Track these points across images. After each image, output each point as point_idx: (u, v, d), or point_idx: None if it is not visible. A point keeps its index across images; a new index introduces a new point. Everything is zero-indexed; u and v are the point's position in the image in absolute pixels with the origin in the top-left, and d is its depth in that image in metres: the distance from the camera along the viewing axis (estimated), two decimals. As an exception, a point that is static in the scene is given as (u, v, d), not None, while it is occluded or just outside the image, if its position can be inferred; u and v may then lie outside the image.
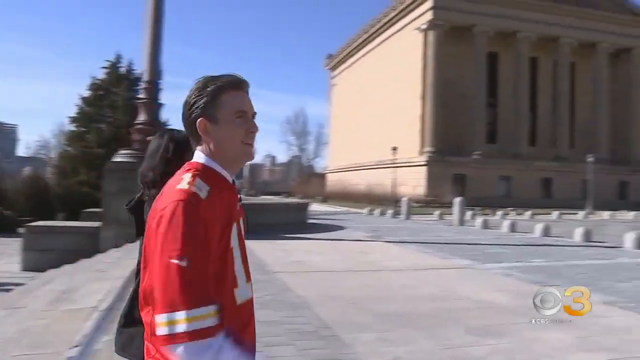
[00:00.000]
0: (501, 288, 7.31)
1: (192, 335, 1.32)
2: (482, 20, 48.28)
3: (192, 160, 1.54)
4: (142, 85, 14.21)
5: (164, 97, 14.70)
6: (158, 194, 1.51)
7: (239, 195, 1.62)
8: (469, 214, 27.01)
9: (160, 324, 1.34)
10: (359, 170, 60.21)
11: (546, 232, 17.47)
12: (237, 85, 1.55)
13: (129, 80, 30.10)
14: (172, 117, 27.42)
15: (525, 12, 48.94)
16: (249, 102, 1.56)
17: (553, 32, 49.96)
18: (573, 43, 50.72)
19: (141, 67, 15.36)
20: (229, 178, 1.55)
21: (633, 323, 5.53)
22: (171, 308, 1.33)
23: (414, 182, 46.33)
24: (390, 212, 30.27)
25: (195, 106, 1.52)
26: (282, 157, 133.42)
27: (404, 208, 28.92)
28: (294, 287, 6.98)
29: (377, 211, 32.46)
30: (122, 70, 30.98)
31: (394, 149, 41.72)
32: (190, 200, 1.39)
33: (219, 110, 1.51)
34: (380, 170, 51.31)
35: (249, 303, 1.59)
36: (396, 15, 54.72)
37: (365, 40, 63.78)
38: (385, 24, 57.65)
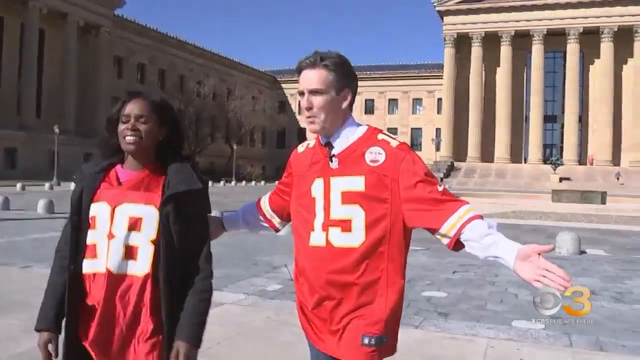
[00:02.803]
0: None
1: None
2: None
3: None
4: None
5: None
6: None
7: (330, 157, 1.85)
8: None
9: None
10: None
11: (6, 206, 17.29)
12: (299, 67, 1.82)
13: None
14: None
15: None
16: (304, 80, 1.79)
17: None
18: (43, 9, 49.34)
19: None
20: (323, 141, 1.86)
21: None
22: None
23: None
24: None
25: None
26: None
27: None
28: None
29: None
30: None
31: None
32: (294, 150, 2.04)
33: None
34: None
35: (322, 250, 1.77)
36: None
37: None
38: None
